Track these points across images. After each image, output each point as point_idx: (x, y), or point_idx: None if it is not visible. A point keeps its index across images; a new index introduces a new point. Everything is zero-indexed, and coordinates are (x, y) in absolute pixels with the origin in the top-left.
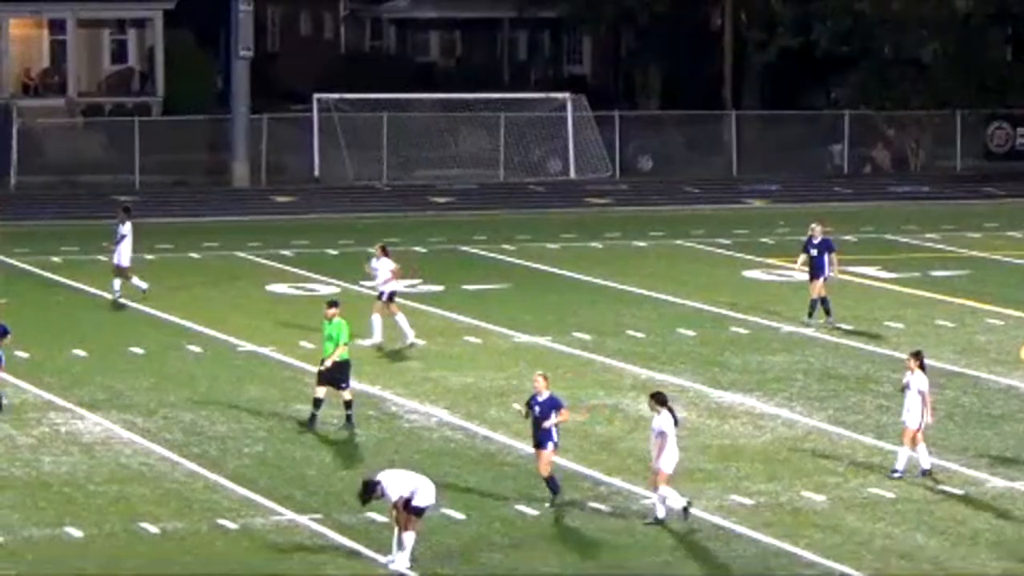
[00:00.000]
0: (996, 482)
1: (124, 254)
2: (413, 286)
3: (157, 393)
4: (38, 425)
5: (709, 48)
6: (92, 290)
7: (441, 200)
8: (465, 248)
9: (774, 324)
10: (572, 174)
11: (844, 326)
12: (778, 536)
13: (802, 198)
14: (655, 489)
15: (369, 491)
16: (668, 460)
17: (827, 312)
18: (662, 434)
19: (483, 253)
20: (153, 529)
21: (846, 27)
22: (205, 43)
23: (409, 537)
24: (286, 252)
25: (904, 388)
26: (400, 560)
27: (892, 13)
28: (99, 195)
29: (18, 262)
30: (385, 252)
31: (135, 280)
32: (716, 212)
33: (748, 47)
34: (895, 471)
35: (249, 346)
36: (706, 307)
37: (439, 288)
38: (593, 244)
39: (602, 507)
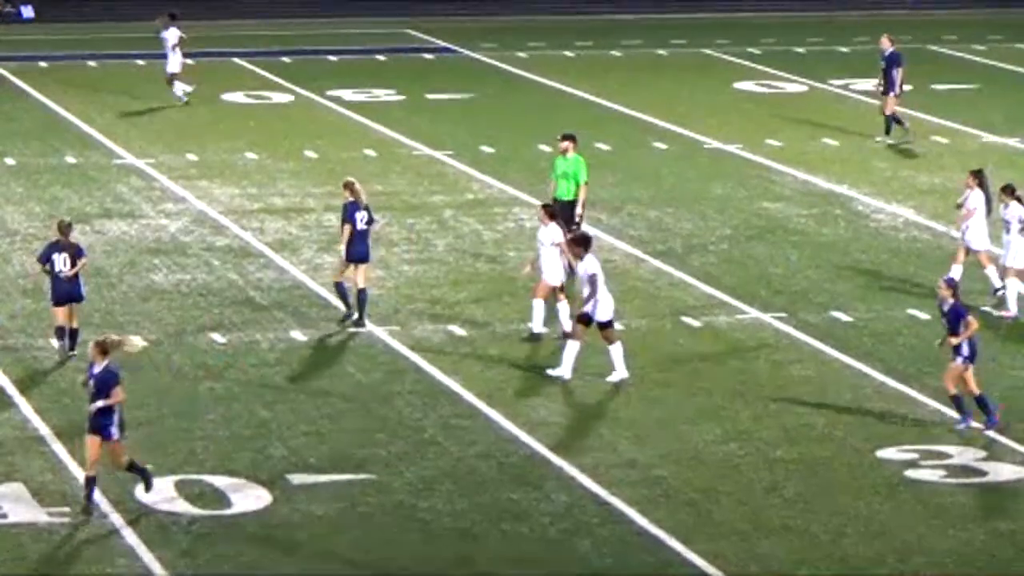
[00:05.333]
0: None
1: (173, 61)
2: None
3: (622, 189)
4: (504, 220)
5: None
6: (559, 86)
7: None
8: (934, 47)
9: None
10: None
11: None
12: None
13: None
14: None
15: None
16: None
17: (899, 123)
18: None
19: (953, 53)
20: (617, 325)
21: None
22: None
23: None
24: (754, 50)
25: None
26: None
27: None
28: None
29: (485, 57)
30: None
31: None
32: None
33: None
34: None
35: (715, 143)
36: None
37: (907, 87)
38: None
39: None
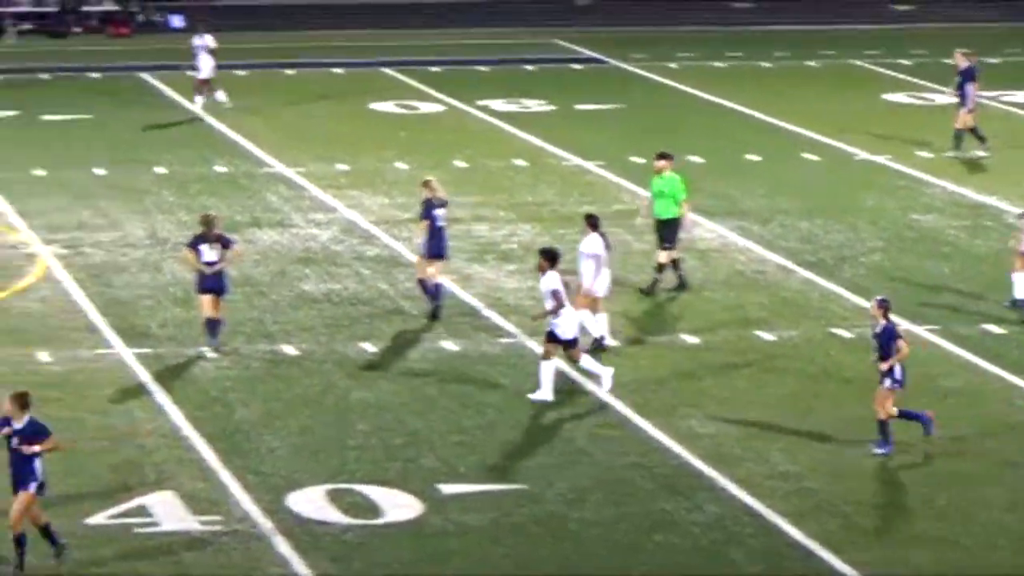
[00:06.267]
0: None
1: (205, 67)
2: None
3: (772, 200)
4: (653, 231)
5: None
6: (708, 96)
7: None
8: None
9: None
10: None
11: None
12: None
13: None
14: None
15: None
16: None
17: (979, 137)
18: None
19: None
20: (768, 336)
21: None
22: None
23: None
24: (904, 61)
25: None
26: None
27: None
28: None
29: (634, 67)
30: None
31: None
32: None
33: None
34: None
35: (865, 155)
36: None
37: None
38: None
39: None
